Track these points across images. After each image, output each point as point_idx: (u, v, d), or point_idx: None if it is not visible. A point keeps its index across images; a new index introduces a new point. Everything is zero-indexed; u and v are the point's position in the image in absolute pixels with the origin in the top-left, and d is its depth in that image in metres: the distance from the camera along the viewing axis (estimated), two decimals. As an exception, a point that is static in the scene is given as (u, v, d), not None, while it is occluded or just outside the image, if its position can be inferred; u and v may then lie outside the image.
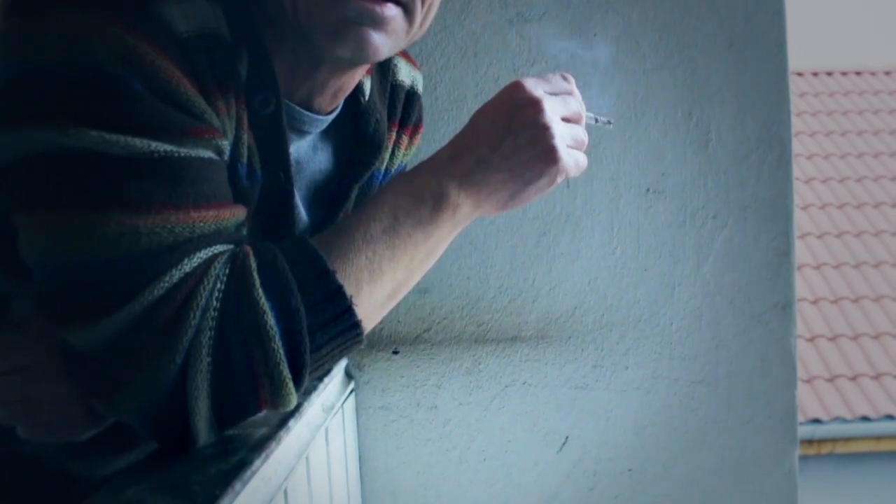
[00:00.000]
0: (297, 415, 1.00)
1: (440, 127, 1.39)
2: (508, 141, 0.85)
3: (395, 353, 1.41)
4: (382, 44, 0.83)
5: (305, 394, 1.04)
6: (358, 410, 1.41)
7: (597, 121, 0.97)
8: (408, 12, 0.84)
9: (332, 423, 1.18)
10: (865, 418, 5.91)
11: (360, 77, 0.96)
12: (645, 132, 1.40)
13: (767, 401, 1.42)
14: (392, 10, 0.82)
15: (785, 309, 1.42)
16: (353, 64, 0.89)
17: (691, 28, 1.40)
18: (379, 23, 0.82)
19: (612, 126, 1.01)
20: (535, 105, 0.85)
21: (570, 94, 0.90)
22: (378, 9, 0.81)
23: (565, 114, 0.88)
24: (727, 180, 1.41)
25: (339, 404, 1.25)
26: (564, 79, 0.91)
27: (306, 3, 0.81)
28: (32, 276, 0.76)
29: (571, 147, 0.88)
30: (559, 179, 0.87)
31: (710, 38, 1.40)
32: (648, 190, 1.41)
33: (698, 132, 1.41)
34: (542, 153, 0.85)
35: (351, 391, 1.38)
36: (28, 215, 0.75)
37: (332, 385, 1.25)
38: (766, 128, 1.41)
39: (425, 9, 0.86)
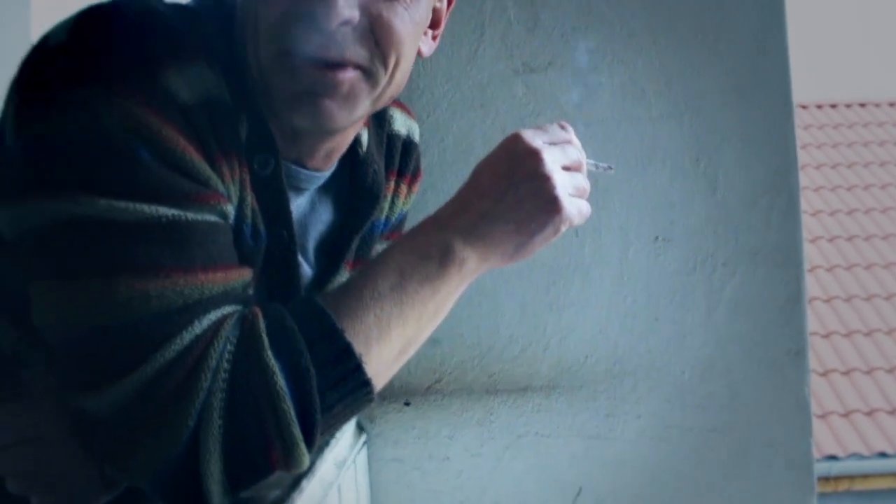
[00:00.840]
0: (309, 474, 0.99)
1: (448, 177, 1.39)
2: (511, 193, 0.85)
3: (407, 404, 1.40)
4: (340, 112, 0.84)
5: (318, 451, 1.03)
6: (370, 463, 1.40)
7: (597, 167, 0.97)
8: (368, 74, 0.84)
9: (344, 479, 1.17)
10: (883, 454, 5.83)
11: (353, 135, 0.96)
12: (652, 180, 1.41)
13: (783, 449, 1.41)
14: (348, 74, 0.82)
15: (798, 355, 1.41)
16: (314, 133, 0.89)
17: (696, 75, 1.41)
18: (333, 91, 0.82)
19: (612, 171, 1.01)
20: (534, 156, 0.85)
21: (569, 142, 0.90)
22: (331, 75, 0.81)
23: (565, 163, 0.88)
24: (736, 226, 1.41)
25: (351, 458, 1.24)
26: (562, 128, 0.91)
27: (268, 73, 0.83)
28: (45, 343, 0.76)
29: (574, 195, 0.88)
30: (563, 228, 0.87)
31: (715, 85, 1.41)
32: (657, 238, 1.41)
33: (706, 179, 1.41)
34: (544, 204, 0.85)
35: (363, 444, 1.37)
36: (41, 283, 0.76)
37: (344, 439, 1.24)
38: (774, 173, 1.41)
39: (389, 69, 0.85)
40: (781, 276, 1.41)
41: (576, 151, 0.90)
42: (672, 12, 1.40)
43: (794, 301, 1.41)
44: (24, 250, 0.77)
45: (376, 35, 0.82)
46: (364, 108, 0.87)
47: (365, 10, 0.81)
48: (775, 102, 1.41)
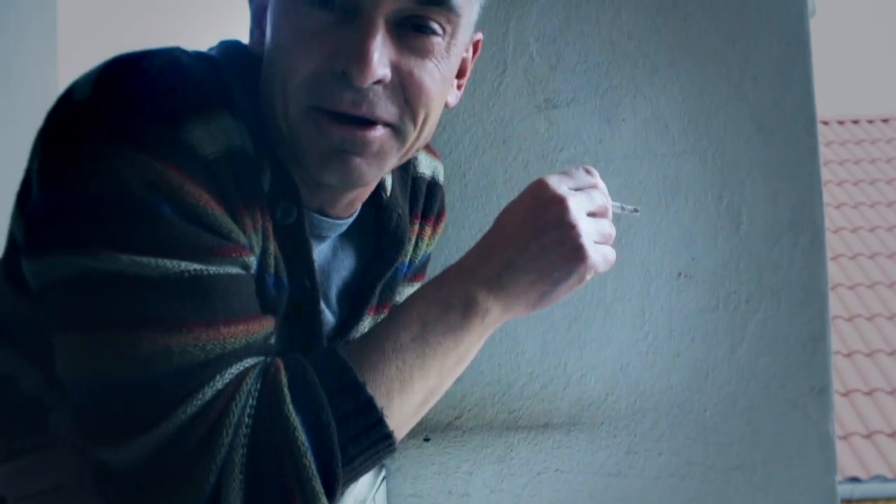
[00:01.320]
0: (329, 518, 0.99)
1: (469, 214, 1.39)
2: (535, 242, 0.85)
3: (427, 440, 1.40)
4: (368, 169, 0.84)
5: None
6: (389, 499, 1.39)
7: (623, 209, 0.97)
8: (397, 131, 0.84)
9: (363, 518, 1.17)
10: (906, 476, 5.75)
11: (375, 185, 0.97)
12: (675, 216, 1.40)
13: (806, 487, 1.39)
14: (378, 132, 0.83)
15: (822, 393, 1.40)
16: (342, 189, 0.90)
17: (720, 111, 1.41)
18: (363, 149, 0.82)
19: (639, 214, 1.01)
20: (559, 203, 0.85)
21: (594, 187, 0.90)
22: (360, 134, 0.82)
23: (591, 209, 0.88)
24: (759, 263, 1.40)
25: (370, 497, 1.24)
26: (588, 172, 0.91)
27: (297, 128, 0.83)
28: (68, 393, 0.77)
29: (599, 242, 0.88)
30: (588, 277, 0.87)
31: (738, 121, 1.41)
32: (680, 274, 1.40)
33: (729, 215, 1.40)
34: (569, 252, 0.85)
35: (382, 479, 1.37)
36: (63, 336, 0.76)
37: (364, 477, 1.24)
38: (798, 210, 1.40)
39: (419, 125, 0.85)
40: (805, 313, 1.39)
41: (601, 196, 0.90)
42: (695, 48, 1.40)
43: (817, 339, 1.39)
44: (49, 302, 0.77)
45: (406, 93, 0.83)
46: (392, 163, 0.87)
47: (396, 68, 0.82)
48: (800, 139, 1.40)
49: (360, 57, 0.78)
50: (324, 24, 0.80)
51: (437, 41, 0.84)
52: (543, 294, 0.86)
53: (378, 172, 0.86)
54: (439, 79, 0.85)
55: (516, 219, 0.86)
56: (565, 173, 0.89)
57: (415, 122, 0.85)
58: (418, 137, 0.87)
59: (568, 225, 0.85)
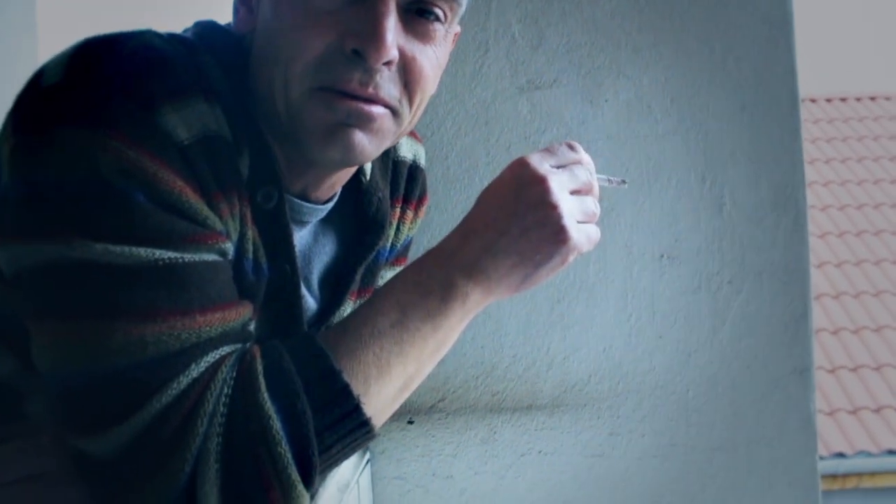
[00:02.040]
0: (312, 501, 0.99)
1: (452, 195, 1.39)
2: (515, 224, 0.83)
3: (410, 422, 1.40)
4: (369, 145, 0.84)
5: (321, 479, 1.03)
6: (373, 481, 1.40)
7: (610, 181, 0.94)
8: (395, 114, 0.85)
9: (347, 502, 1.17)
10: (891, 452, 5.81)
11: (355, 169, 0.96)
12: (658, 197, 1.40)
13: (787, 467, 1.40)
14: (380, 110, 0.83)
15: (804, 373, 1.40)
16: (341, 165, 0.90)
17: (703, 92, 1.40)
18: (367, 123, 0.82)
19: (626, 185, 0.98)
20: (541, 183, 0.83)
21: (577, 163, 0.88)
22: (366, 108, 0.82)
23: (574, 186, 0.86)
24: (742, 245, 1.40)
25: (354, 480, 1.24)
26: (571, 148, 0.89)
27: (299, 107, 0.82)
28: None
29: (582, 221, 0.86)
30: (571, 258, 0.85)
31: (722, 102, 1.40)
32: (662, 256, 1.40)
33: (712, 196, 1.40)
34: (551, 234, 0.83)
35: (366, 462, 1.37)
36: (38, 324, 0.75)
37: (348, 460, 1.24)
38: (781, 191, 1.40)
39: (413, 109, 0.86)
40: (787, 294, 1.40)
41: (585, 172, 0.88)
42: (678, 29, 1.39)
43: (799, 319, 1.40)
44: (22, 289, 0.77)
45: (406, 76, 0.83)
46: (387, 145, 0.87)
47: (400, 51, 0.82)
48: (782, 119, 1.40)
49: (376, 36, 0.79)
50: (333, 3, 0.80)
51: (439, 28, 0.84)
52: (526, 277, 0.85)
53: (376, 151, 0.86)
54: (437, 65, 0.86)
55: (496, 200, 0.85)
56: (548, 150, 0.87)
57: (411, 105, 0.85)
58: (410, 122, 0.87)
59: (549, 205, 0.83)
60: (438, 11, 0.84)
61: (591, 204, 0.88)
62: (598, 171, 0.91)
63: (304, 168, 0.89)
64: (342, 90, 0.81)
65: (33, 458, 0.81)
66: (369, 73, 0.80)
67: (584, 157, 0.89)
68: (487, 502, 1.40)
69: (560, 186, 0.84)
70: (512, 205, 0.84)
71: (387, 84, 0.82)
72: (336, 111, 0.81)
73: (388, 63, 0.81)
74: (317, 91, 0.81)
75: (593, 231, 0.87)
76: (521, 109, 1.39)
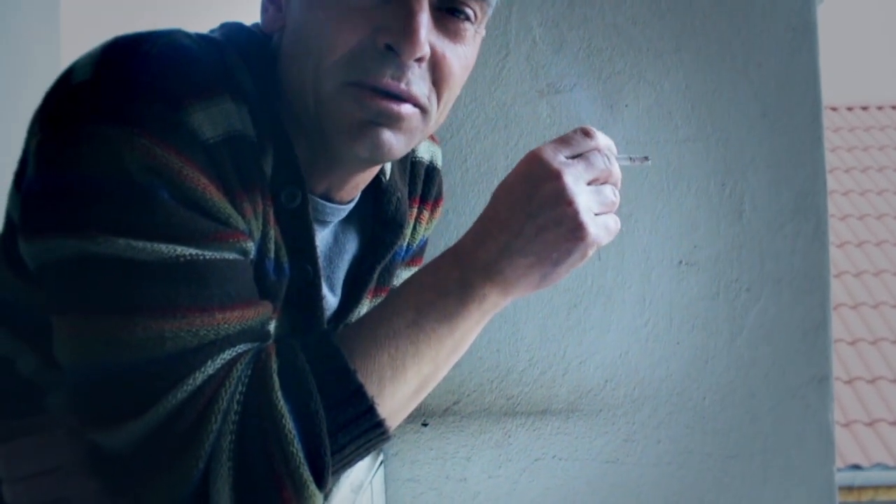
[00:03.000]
0: (325, 502, 0.99)
1: (470, 199, 1.39)
2: (530, 223, 0.81)
3: (425, 425, 1.40)
4: (397, 143, 0.84)
5: (335, 479, 1.03)
6: (386, 483, 1.40)
7: (632, 160, 0.90)
8: (423, 112, 0.85)
9: (360, 502, 1.17)
10: (907, 464, 5.75)
11: (377, 170, 0.96)
12: (677, 203, 1.39)
13: (804, 477, 1.39)
14: (410, 110, 0.83)
15: (822, 382, 1.39)
16: (370, 163, 0.90)
17: (724, 98, 1.39)
18: (396, 122, 0.82)
19: (650, 163, 0.93)
20: (555, 179, 0.80)
21: (595, 150, 0.84)
22: (396, 108, 0.82)
23: (591, 176, 0.82)
24: (761, 252, 1.39)
25: (367, 481, 1.24)
26: (586, 134, 0.85)
27: (329, 103, 0.82)
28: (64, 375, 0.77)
29: (601, 213, 0.83)
30: (590, 253, 0.82)
31: (743, 108, 1.39)
32: (681, 262, 1.39)
33: (732, 203, 1.39)
34: (567, 232, 0.80)
35: (380, 464, 1.37)
36: (60, 318, 0.76)
37: (362, 462, 1.24)
38: (802, 198, 1.39)
39: (440, 108, 0.86)
40: (806, 302, 1.39)
41: (601, 160, 0.84)
42: (700, 34, 1.38)
43: (818, 327, 1.39)
44: (45, 283, 0.77)
45: (435, 74, 0.83)
46: (414, 144, 0.87)
47: (431, 49, 0.82)
48: (804, 126, 1.39)
49: (409, 32, 0.79)
50: (366, 0, 0.80)
51: (468, 27, 0.84)
52: (544, 276, 0.83)
53: (404, 150, 0.86)
54: (465, 65, 0.86)
55: (510, 199, 0.83)
56: (562, 140, 0.84)
57: (439, 104, 0.85)
58: (437, 121, 0.87)
59: (565, 202, 0.80)
60: (469, 11, 0.84)
61: (610, 193, 0.84)
62: (620, 149, 0.87)
63: (329, 168, 0.89)
64: (373, 85, 0.81)
65: (51, 452, 0.82)
66: (401, 68, 0.80)
67: (602, 141, 0.85)
68: (501, 506, 1.40)
69: (575, 179, 0.81)
70: (525, 203, 0.81)
71: (417, 81, 0.82)
72: (367, 109, 0.81)
73: (419, 59, 0.81)
74: (348, 86, 0.81)
75: (612, 222, 0.84)
76: (541, 113, 1.39)
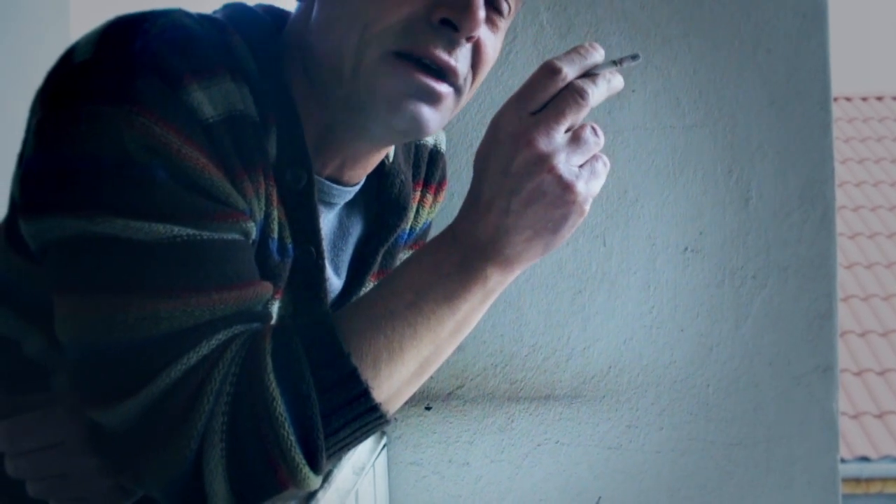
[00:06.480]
0: (325, 484, 1.00)
1: (476, 183, 1.38)
2: (516, 200, 0.75)
3: (428, 408, 1.40)
4: (433, 120, 0.84)
5: (337, 461, 1.04)
6: (389, 466, 1.40)
7: (618, 63, 0.79)
8: (458, 94, 0.86)
9: (362, 484, 1.18)
10: (916, 457, 5.74)
11: (385, 152, 0.96)
12: (683, 189, 1.39)
13: (807, 466, 1.39)
14: (447, 89, 0.84)
15: (826, 371, 1.39)
16: (403, 137, 0.90)
17: (732, 84, 1.39)
18: (435, 100, 0.83)
19: (640, 60, 0.80)
20: (525, 147, 0.74)
21: (567, 91, 0.74)
22: (436, 86, 0.82)
23: (564, 124, 0.74)
24: (768, 239, 1.38)
25: (370, 463, 1.25)
26: (552, 71, 0.74)
27: (369, 72, 0.82)
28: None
29: (584, 165, 0.76)
30: (587, 207, 0.78)
31: (751, 95, 1.38)
32: (686, 249, 1.39)
33: (738, 190, 1.39)
34: (556, 198, 0.75)
35: (383, 447, 1.38)
36: (60, 297, 0.77)
37: (364, 444, 1.25)
38: (809, 185, 1.38)
39: (469, 92, 0.87)
40: (812, 290, 1.38)
41: (573, 99, 0.74)
42: (708, 19, 1.37)
43: (824, 316, 1.38)
44: (45, 263, 0.78)
45: (476, 58, 0.85)
46: (445, 122, 0.88)
47: None
48: (813, 114, 1.38)
49: (470, 7, 0.80)
50: None
51: (503, 21, 0.87)
52: (546, 244, 0.78)
53: (437, 127, 0.86)
54: (495, 56, 0.87)
55: (489, 174, 0.77)
56: (525, 90, 0.75)
57: (471, 86, 0.87)
58: (460, 106, 0.88)
59: (543, 169, 0.73)
60: (505, 7, 0.86)
61: (590, 136, 0.76)
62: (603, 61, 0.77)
63: (347, 143, 0.89)
64: (421, 55, 0.81)
65: (53, 428, 0.82)
66: (452, 44, 0.81)
67: (567, 68, 0.75)
68: (503, 490, 1.40)
69: (548, 138, 0.73)
70: (505, 179, 0.75)
71: (463, 59, 0.83)
72: (408, 83, 0.81)
73: (470, 39, 0.82)
74: (394, 57, 0.81)
75: (600, 166, 0.77)
76: (548, 98, 1.38)
